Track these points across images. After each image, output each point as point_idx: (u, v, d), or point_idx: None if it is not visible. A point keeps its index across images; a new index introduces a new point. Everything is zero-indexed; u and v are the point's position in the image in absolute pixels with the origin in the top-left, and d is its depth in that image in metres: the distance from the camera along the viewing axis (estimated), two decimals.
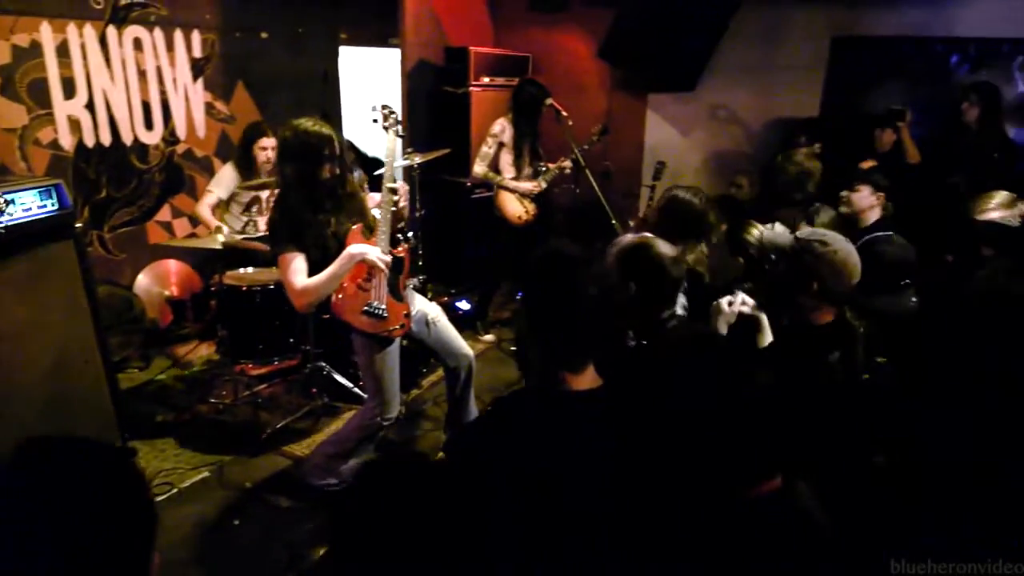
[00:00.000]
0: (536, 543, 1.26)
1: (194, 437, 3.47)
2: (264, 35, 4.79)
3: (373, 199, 3.41)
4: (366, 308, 2.70)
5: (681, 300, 2.22)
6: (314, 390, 3.77)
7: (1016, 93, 4.57)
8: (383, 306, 2.71)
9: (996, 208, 2.90)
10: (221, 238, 3.57)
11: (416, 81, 5.55)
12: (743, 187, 4.35)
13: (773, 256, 2.24)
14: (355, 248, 2.61)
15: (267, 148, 4.00)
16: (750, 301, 2.07)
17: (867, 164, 4.21)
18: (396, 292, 2.79)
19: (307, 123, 2.60)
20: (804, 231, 2.55)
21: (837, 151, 4.58)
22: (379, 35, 5.52)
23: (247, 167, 4.06)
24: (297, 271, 2.59)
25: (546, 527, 1.26)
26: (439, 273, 5.27)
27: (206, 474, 3.18)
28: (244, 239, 3.65)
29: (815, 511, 1.23)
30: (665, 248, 2.00)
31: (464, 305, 5.04)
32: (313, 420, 3.66)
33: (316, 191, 2.63)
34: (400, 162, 3.55)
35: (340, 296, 2.68)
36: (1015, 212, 2.85)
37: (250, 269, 3.88)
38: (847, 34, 5.07)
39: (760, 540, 1.17)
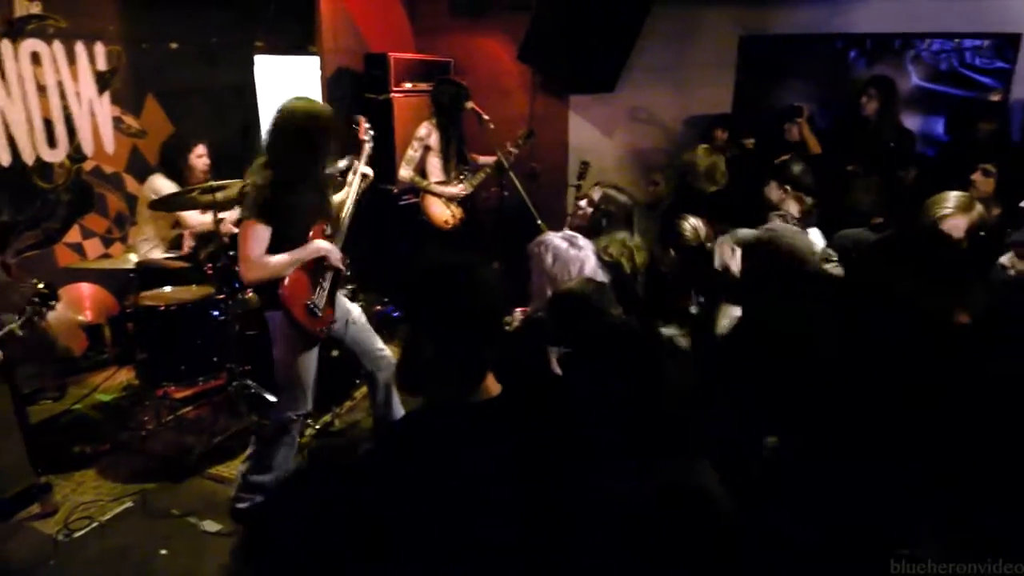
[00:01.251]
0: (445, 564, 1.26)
1: (115, 467, 3.32)
2: (174, 45, 4.61)
3: None
4: (308, 303, 2.71)
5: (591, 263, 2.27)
6: (241, 409, 3.65)
7: (910, 85, 4.82)
8: (321, 305, 2.75)
9: (954, 212, 2.50)
10: (134, 258, 3.43)
11: (336, 89, 5.45)
12: (659, 184, 4.45)
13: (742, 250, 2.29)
14: (322, 244, 2.70)
15: (203, 155, 3.98)
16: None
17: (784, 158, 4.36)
18: (332, 296, 2.84)
19: (304, 103, 2.60)
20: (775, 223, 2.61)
21: (756, 146, 4.76)
22: (296, 43, 5.39)
23: (178, 178, 3.98)
24: (259, 242, 2.56)
25: (456, 548, 1.26)
26: (369, 281, 5.18)
27: (129, 504, 3.05)
28: (166, 258, 3.53)
29: (714, 489, 1.25)
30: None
31: (398, 313, 4.97)
32: (241, 440, 3.52)
33: (307, 172, 2.62)
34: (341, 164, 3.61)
35: (291, 284, 2.66)
36: (973, 216, 2.50)
37: (167, 288, 3.73)
38: (754, 33, 5.25)
39: (664, 520, 1.20)
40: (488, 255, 5.34)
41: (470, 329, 1.39)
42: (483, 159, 4.77)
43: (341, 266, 2.76)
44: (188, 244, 4.13)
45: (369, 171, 3.11)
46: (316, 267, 2.74)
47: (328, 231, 2.83)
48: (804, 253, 2.21)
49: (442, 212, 4.77)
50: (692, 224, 2.75)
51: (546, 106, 6.08)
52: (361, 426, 3.76)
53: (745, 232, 2.52)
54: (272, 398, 3.63)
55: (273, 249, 2.60)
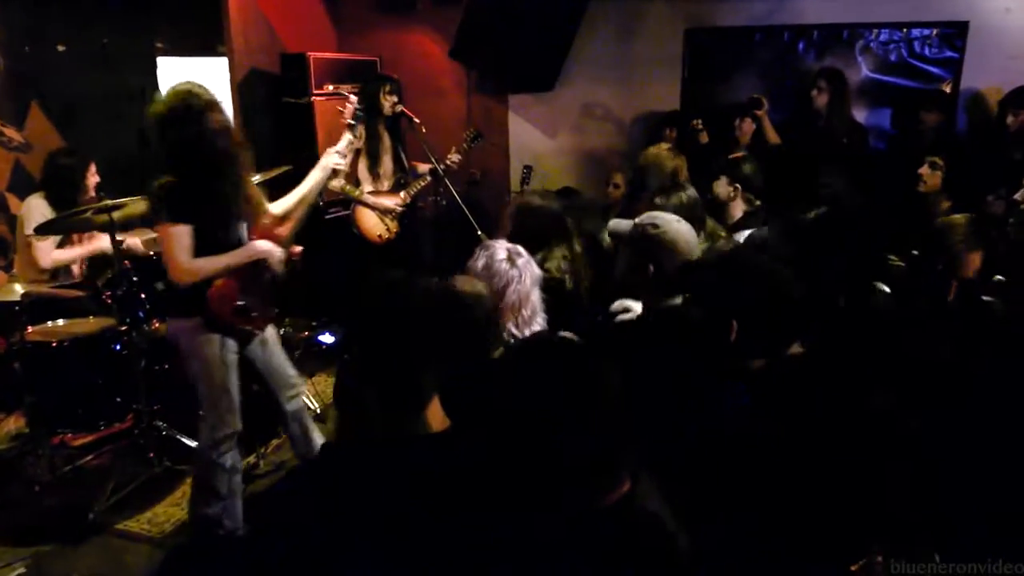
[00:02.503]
0: None
1: (3, 527, 3.16)
2: (61, 48, 4.48)
3: None
4: (241, 303, 2.72)
5: (540, 315, 2.30)
6: (151, 454, 3.55)
7: (860, 77, 5.06)
8: (255, 305, 2.78)
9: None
10: (20, 288, 3.29)
11: (249, 93, 5.38)
12: (620, 186, 4.53)
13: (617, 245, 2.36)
14: (262, 245, 2.75)
15: (95, 174, 3.88)
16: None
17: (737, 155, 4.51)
18: (270, 294, 2.88)
19: (181, 86, 2.59)
20: (642, 216, 2.68)
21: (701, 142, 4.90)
22: (203, 43, 5.31)
23: (63, 199, 3.80)
24: (184, 247, 2.57)
25: None
26: (295, 304, 5.11)
27: (21, 570, 2.91)
28: (56, 287, 3.42)
29: (662, 513, 1.26)
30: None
31: (327, 338, 4.93)
32: (151, 491, 3.44)
33: (209, 156, 2.57)
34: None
35: (219, 285, 2.67)
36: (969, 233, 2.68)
37: (60, 321, 3.60)
38: (699, 25, 5.43)
39: (614, 547, 1.20)
40: (426, 271, 5.34)
41: (404, 351, 1.38)
42: (423, 166, 4.77)
43: (280, 268, 2.81)
44: (79, 270, 3.99)
45: (341, 162, 3.11)
46: (252, 267, 2.77)
47: (279, 228, 2.90)
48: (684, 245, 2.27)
49: (376, 225, 4.75)
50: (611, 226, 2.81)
51: (484, 107, 6.13)
52: (289, 465, 3.68)
53: (620, 224, 2.59)
54: (189, 442, 3.57)
55: (202, 246, 2.61)
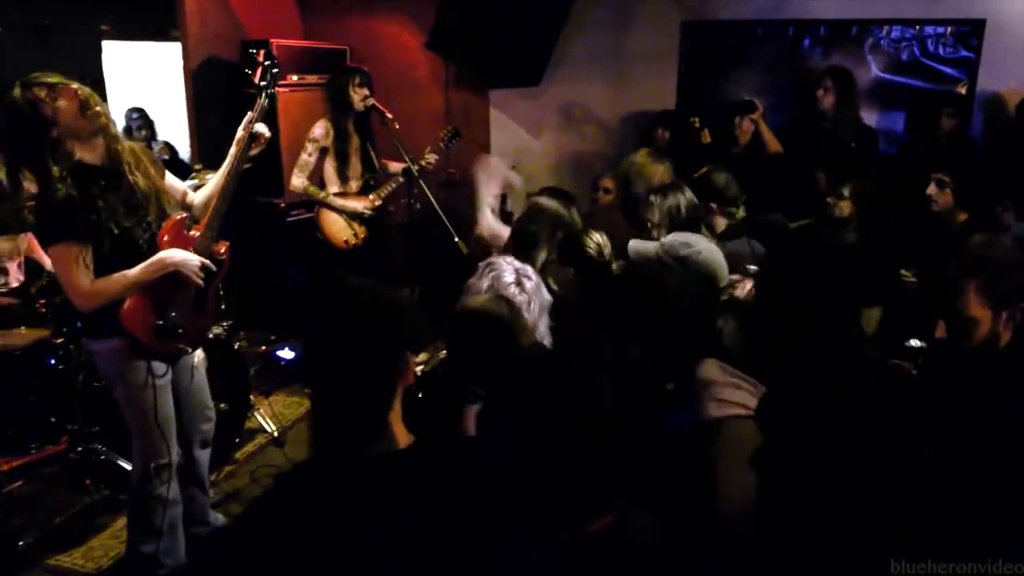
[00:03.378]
0: None
1: None
2: None
3: None
4: (160, 322, 2.61)
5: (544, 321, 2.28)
6: (88, 481, 3.48)
7: (870, 77, 5.08)
8: (180, 321, 2.66)
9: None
10: None
11: (205, 82, 5.28)
12: (610, 191, 4.47)
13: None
14: (172, 255, 2.56)
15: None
16: None
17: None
18: (202, 304, 2.76)
19: (20, 81, 2.40)
20: (668, 237, 2.66)
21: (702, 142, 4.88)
22: (154, 27, 5.23)
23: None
24: (78, 265, 2.42)
25: None
26: (252, 317, 5.01)
27: None
28: None
29: (654, 544, 1.31)
30: None
31: (287, 354, 4.84)
32: (88, 521, 3.37)
33: (66, 160, 2.41)
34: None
35: (132, 303, 2.56)
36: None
37: None
38: (697, 18, 5.43)
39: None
40: (397, 280, 5.27)
41: (368, 364, 1.40)
42: (396, 166, 4.71)
43: (198, 279, 2.61)
44: (15, 275, 3.89)
45: (263, 129, 2.93)
46: (167, 280, 2.60)
47: (191, 224, 2.73)
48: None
49: (342, 230, 4.68)
50: (597, 240, 2.82)
51: (463, 102, 6.08)
52: (244, 495, 3.59)
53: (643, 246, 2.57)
54: (128, 465, 3.45)
55: (102, 262, 2.47)
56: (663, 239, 3.03)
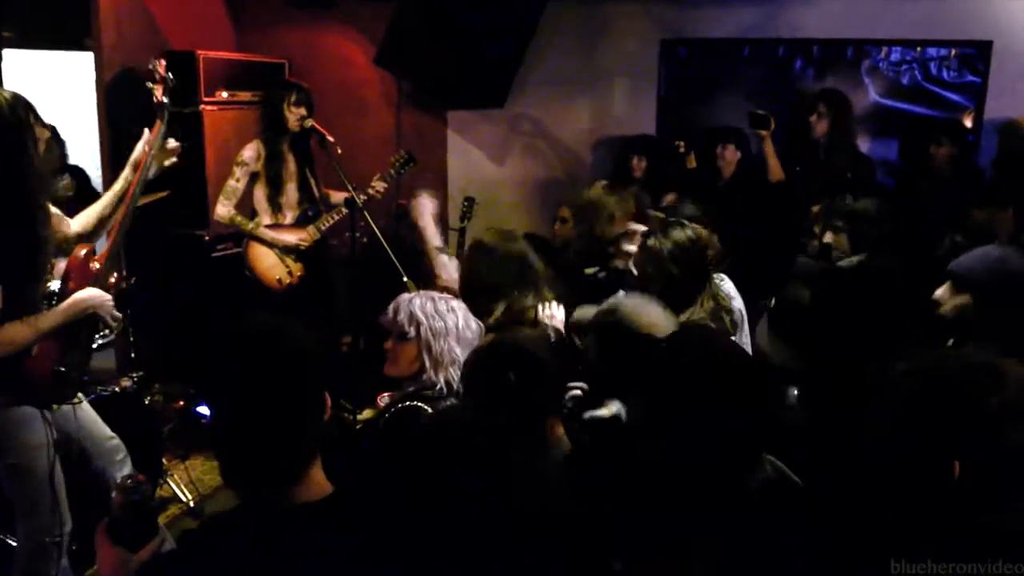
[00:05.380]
0: None
1: None
2: None
3: None
4: (60, 369, 2.61)
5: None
6: None
7: (867, 102, 5.21)
8: (77, 363, 2.72)
9: None
10: None
11: (121, 96, 5.24)
12: (568, 221, 4.52)
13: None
14: (90, 297, 2.61)
15: None
16: None
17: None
18: (90, 342, 2.83)
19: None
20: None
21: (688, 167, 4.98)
22: (63, 35, 5.21)
23: None
24: None
25: None
26: (168, 368, 4.92)
27: None
28: None
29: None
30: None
31: (208, 410, 4.74)
32: None
33: (22, 191, 2.42)
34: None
35: (41, 348, 2.55)
36: None
37: None
38: (677, 36, 5.54)
39: None
40: (339, 326, 5.23)
41: (277, 405, 1.44)
42: (339, 195, 4.71)
43: (113, 320, 2.74)
44: None
45: (171, 143, 3.02)
46: (77, 322, 2.66)
47: (94, 260, 2.75)
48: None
49: (274, 266, 4.64)
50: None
51: (417, 125, 6.12)
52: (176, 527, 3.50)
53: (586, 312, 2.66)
54: (13, 542, 3.36)
55: (6, 306, 2.44)
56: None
